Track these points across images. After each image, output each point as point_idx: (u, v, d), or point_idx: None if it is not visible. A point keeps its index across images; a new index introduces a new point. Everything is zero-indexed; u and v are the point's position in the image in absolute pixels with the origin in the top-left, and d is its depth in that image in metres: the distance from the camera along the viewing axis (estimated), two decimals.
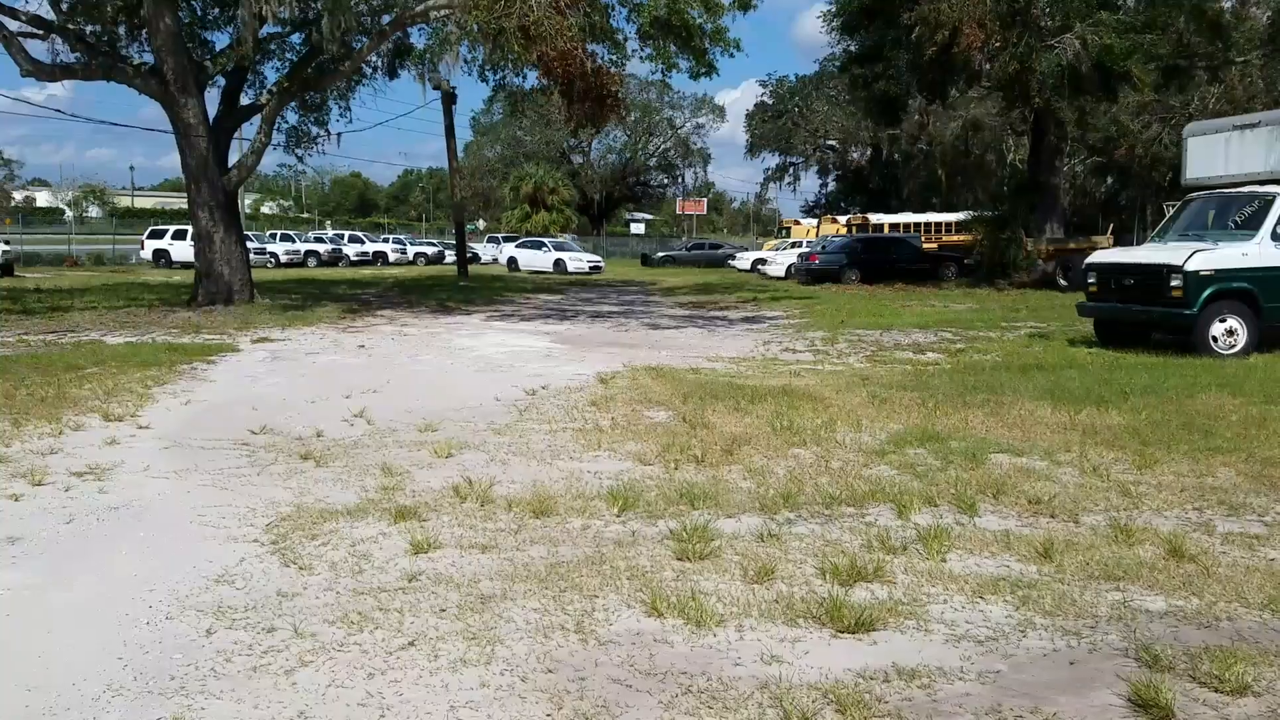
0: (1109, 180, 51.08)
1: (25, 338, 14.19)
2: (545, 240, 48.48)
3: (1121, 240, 34.08)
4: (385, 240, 57.79)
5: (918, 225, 42.61)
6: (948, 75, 29.66)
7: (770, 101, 65.47)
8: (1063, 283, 27.61)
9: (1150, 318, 12.87)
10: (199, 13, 22.83)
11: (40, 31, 19.79)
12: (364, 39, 20.63)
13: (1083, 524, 5.27)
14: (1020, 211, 31.14)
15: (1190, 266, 11.96)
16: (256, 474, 6.49)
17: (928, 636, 3.85)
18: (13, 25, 18.82)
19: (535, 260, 44.50)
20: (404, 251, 54.67)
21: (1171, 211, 14.60)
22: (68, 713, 3.27)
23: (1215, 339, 12.09)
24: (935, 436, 7.38)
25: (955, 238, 37.74)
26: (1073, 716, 3.21)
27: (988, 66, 27.32)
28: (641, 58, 19.77)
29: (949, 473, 6.33)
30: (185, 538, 5.12)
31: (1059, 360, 12.08)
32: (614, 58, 19.40)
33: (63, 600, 4.29)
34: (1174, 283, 12.09)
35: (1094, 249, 21.65)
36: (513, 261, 45.18)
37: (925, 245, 36.73)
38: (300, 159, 25.02)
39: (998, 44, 25.95)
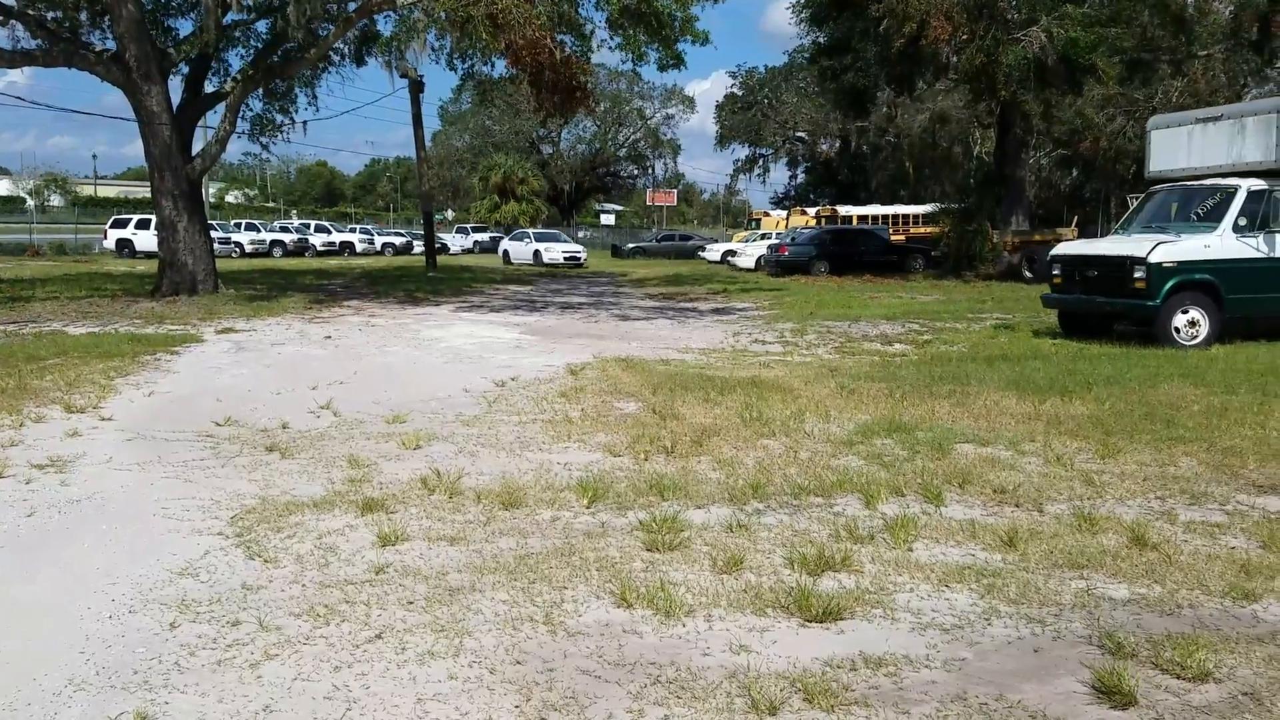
0: (1074, 173, 51.62)
1: None
2: (529, 231, 47.98)
3: (1086, 232, 34.47)
4: (352, 230, 57.33)
5: (886, 217, 42.87)
6: (915, 68, 29.83)
7: (740, 93, 65.55)
8: (1028, 274, 27.91)
9: (1114, 309, 13.03)
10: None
11: (0, 18, 19.41)
12: (330, 26, 20.41)
13: (1047, 513, 5.33)
14: (986, 204, 31.43)
15: (1153, 258, 12.12)
16: (221, 466, 6.41)
17: (894, 625, 3.88)
18: None
19: (520, 252, 43.83)
20: (371, 242, 54.24)
21: (1135, 204, 14.79)
22: (29, 708, 3.22)
23: (1178, 330, 12.27)
24: (902, 427, 7.43)
25: (923, 230, 38.03)
26: (1037, 703, 3.25)
27: (955, 59, 27.50)
28: (610, 47, 19.72)
29: (916, 463, 6.38)
30: (148, 530, 5.05)
31: (1024, 351, 12.20)
32: (581, 47, 19.31)
33: (23, 594, 4.23)
34: (1137, 274, 12.25)
35: (1059, 241, 21.92)
36: (506, 255, 44.43)
37: (893, 237, 36.98)
38: (265, 147, 24.75)
39: (965, 36, 26.12)
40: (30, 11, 19.80)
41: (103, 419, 7.84)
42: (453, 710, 3.21)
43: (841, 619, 3.92)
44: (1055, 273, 13.89)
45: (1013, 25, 26.73)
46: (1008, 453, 6.70)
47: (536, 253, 41.76)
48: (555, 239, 44.90)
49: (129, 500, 5.61)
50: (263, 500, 5.57)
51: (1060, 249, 14.59)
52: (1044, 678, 3.43)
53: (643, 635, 3.80)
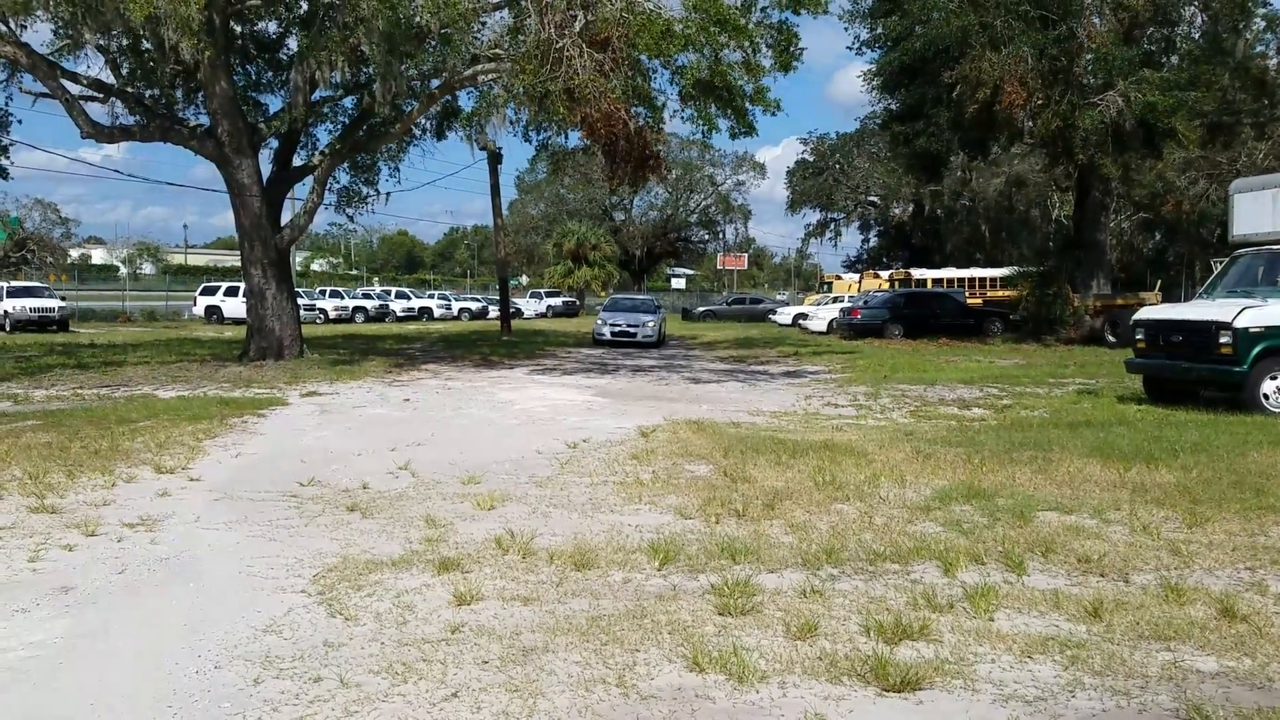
0: (1156, 236, 50.62)
1: (79, 391, 14.55)
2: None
3: (1169, 296, 33.67)
4: (431, 296, 58.67)
5: (961, 280, 42.39)
6: (989, 132, 29.72)
7: (811, 158, 65.95)
8: (1110, 339, 27.30)
9: (1200, 374, 12.67)
10: (253, 77, 23.59)
11: (100, 95, 20.54)
12: (413, 102, 21.15)
13: (1133, 583, 5.18)
14: (1066, 267, 30.93)
15: (1240, 323, 11.79)
16: (304, 525, 6.58)
17: (975, 696, 3.80)
18: (74, 89, 19.55)
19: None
20: (449, 307, 55.42)
21: (1219, 268, 14.43)
22: None
23: (1267, 396, 11.86)
24: (981, 493, 7.30)
25: (1000, 293, 37.49)
26: None
27: (1030, 124, 27.31)
28: (683, 118, 20.07)
29: (996, 530, 6.25)
30: (234, 588, 5.20)
31: (1108, 417, 11.91)
32: (654, 119, 19.69)
33: (114, 649, 4.37)
34: (1223, 339, 11.92)
35: (1141, 305, 21.42)
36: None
37: (969, 301, 36.52)
38: (351, 218, 25.59)
39: (1040, 101, 25.98)
40: (129, 90, 20.92)
41: (191, 479, 8.11)
42: None
43: (920, 689, 3.85)
44: (1139, 337, 13.58)
45: (1089, 90, 26.54)
46: (1092, 521, 6.53)
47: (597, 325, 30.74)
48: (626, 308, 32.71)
49: (216, 559, 5.79)
50: (344, 559, 5.69)
51: (1144, 313, 14.27)
52: None
53: (715, 700, 3.78)
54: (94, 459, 8.74)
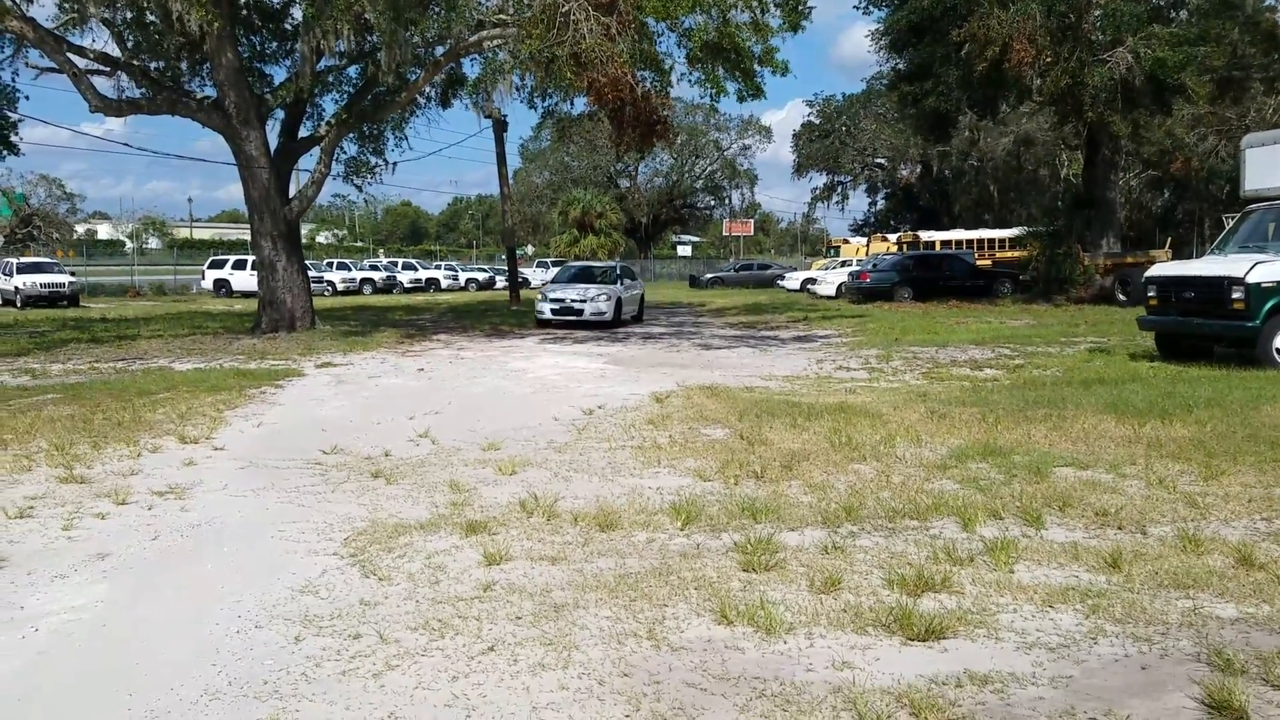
0: (1165, 194, 50.29)
1: (96, 365, 14.67)
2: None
3: (1180, 254, 33.53)
4: (438, 267, 58.64)
5: (970, 242, 42.25)
6: (998, 91, 29.49)
7: (817, 121, 65.52)
8: (1121, 297, 27.25)
9: (1212, 331, 12.68)
10: (258, 47, 23.47)
11: (107, 68, 20.49)
12: (419, 70, 21.08)
13: (1150, 535, 5.26)
14: (1076, 226, 30.80)
15: (1252, 278, 11.78)
16: (330, 491, 6.69)
17: (999, 644, 3.89)
18: (81, 63, 19.49)
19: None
20: (456, 278, 55.43)
21: (1231, 223, 14.39)
22: (168, 715, 3.43)
23: (1279, 351, 11.88)
24: (997, 451, 7.37)
25: (1010, 254, 37.37)
26: (1146, 718, 3.23)
27: (1039, 82, 27.10)
28: (690, 82, 19.95)
29: (1013, 486, 6.33)
30: (267, 552, 5.31)
31: (1121, 374, 11.95)
32: (661, 83, 19.59)
33: (155, 612, 4.48)
34: (1235, 295, 11.91)
35: (1152, 263, 21.36)
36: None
37: (979, 262, 36.43)
38: (359, 189, 25.51)
39: (1049, 59, 25.77)
40: (135, 62, 20.87)
41: (216, 449, 8.22)
42: (566, 718, 3.33)
43: (944, 638, 3.94)
44: (1151, 295, 13.58)
45: (1098, 47, 26.30)
46: (1108, 476, 6.60)
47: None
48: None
49: (247, 524, 5.90)
50: (372, 523, 5.80)
51: (1155, 270, 14.26)
52: (1152, 694, 3.41)
53: (745, 651, 3.88)
54: (118, 430, 8.85)
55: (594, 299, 22.84)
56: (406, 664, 3.78)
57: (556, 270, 29.26)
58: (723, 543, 5.29)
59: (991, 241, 41.90)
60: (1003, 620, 4.12)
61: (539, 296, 24.11)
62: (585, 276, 25.26)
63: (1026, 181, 52.16)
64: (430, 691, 3.55)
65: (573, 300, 22.96)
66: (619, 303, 23.42)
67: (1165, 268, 14.95)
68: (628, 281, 25.25)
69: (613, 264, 28.27)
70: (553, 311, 23.03)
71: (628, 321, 24.53)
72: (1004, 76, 26.71)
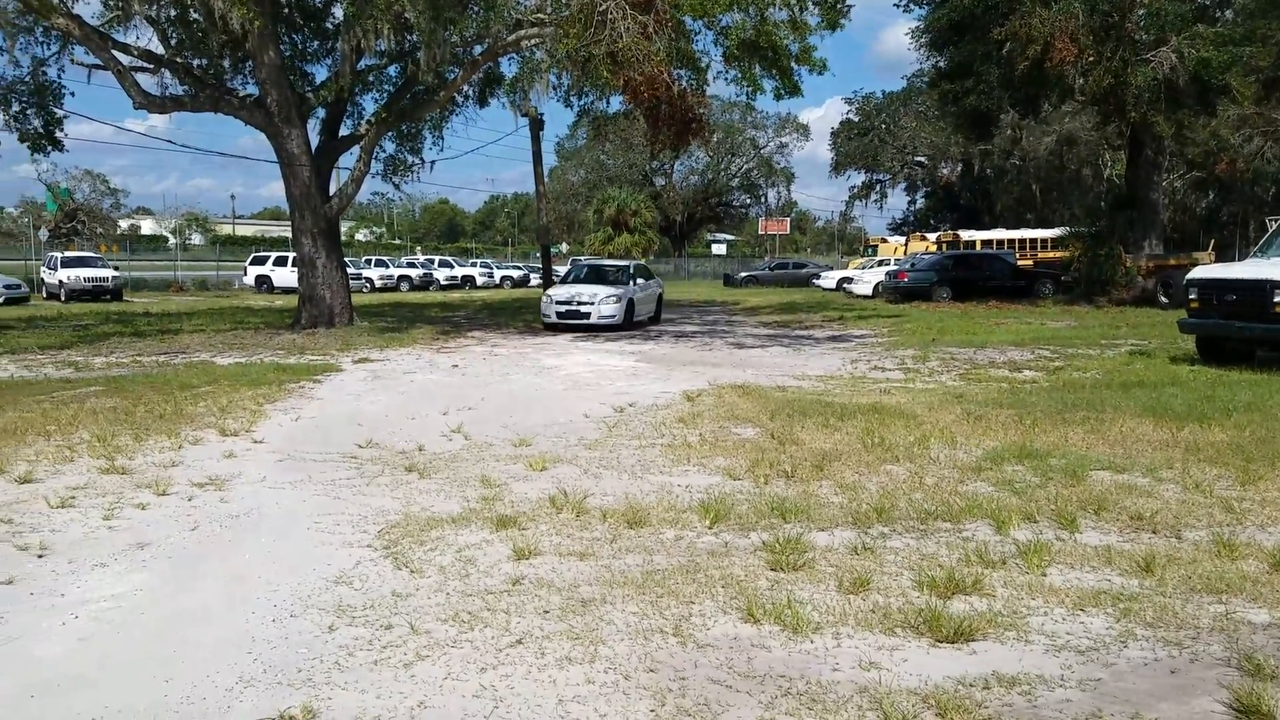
0: (1209, 195, 49.42)
1: (138, 358, 14.95)
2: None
3: (1223, 256, 32.94)
4: (473, 264, 58.99)
5: (1011, 242, 41.75)
6: (1040, 90, 29.13)
7: (856, 119, 65.08)
8: (1163, 300, 26.81)
9: (1253, 334, 12.46)
10: (300, 46, 23.77)
11: (151, 66, 20.86)
12: (457, 69, 21.23)
13: (1185, 539, 5.20)
14: (1118, 227, 30.35)
15: None
16: (365, 485, 6.78)
17: (1028, 647, 3.87)
18: (125, 60, 19.86)
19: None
20: (491, 275, 55.74)
21: (1275, 226, 14.13)
22: (204, 701, 3.51)
23: None
24: (1034, 453, 7.31)
25: (1051, 254, 36.90)
26: None
27: (1081, 81, 26.74)
28: (726, 80, 19.92)
29: (1048, 489, 6.28)
30: (303, 543, 5.40)
31: (1160, 377, 11.78)
32: (697, 81, 19.57)
33: (192, 600, 4.57)
34: (1277, 298, 11.71)
35: (1195, 265, 21.01)
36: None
37: (1020, 262, 36.02)
38: (397, 186, 25.74)
39: (1091, 58, 25.40)
40: (179, 60, 21.22)
41: (255, 442, 8.36)
42: (591, 712, 3.36)
43: (973, 640, 3.92)
44: (1192, 297, 13.38)
45: (1141, 46, 25.90)
46: (1144, 479, 6.53)
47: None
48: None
49: (284, 516, 6.00)
50: (405, 516, 5.88)
51: (1197, 273, 14.03)
52: (1181, 698, 3.38)
53: (771, 649, 3.89)
54: (159, 422, 9.02)
55: (602, 300, 21.13)
56: (436, 655, 3.84)
57: (567, 269, 26.94)
58: (751, 541, 5.30)
59: (1033, 241, 41.38)
60: (1033, 623, 4.09)
61: (544, 297, 22.32)
62: (596, 276, 23.47)
63: (1069, 181, 51.47)
64: (459, 682, 3.60)
65: (579, 302, 21.24)
66: (630, 304, 21.75)
67: (1207, 270, 14.72)
68: (641, 281, 23.58)
69: (626, 262, 25.97)
70: (558, 314, 21.32)
71: (642, 323, 22.80)
72: (1046, 75, 26.38)
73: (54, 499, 6.23)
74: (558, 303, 21.41)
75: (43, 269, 37.58)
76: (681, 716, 3.32)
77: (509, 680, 3.61)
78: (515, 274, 57.46)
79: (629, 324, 21.49)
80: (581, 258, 31.06)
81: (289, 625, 4.19)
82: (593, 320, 20.90)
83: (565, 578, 4.73)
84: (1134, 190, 31.14)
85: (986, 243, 41.84)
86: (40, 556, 5.15)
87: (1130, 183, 31.93)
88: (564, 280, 24.50)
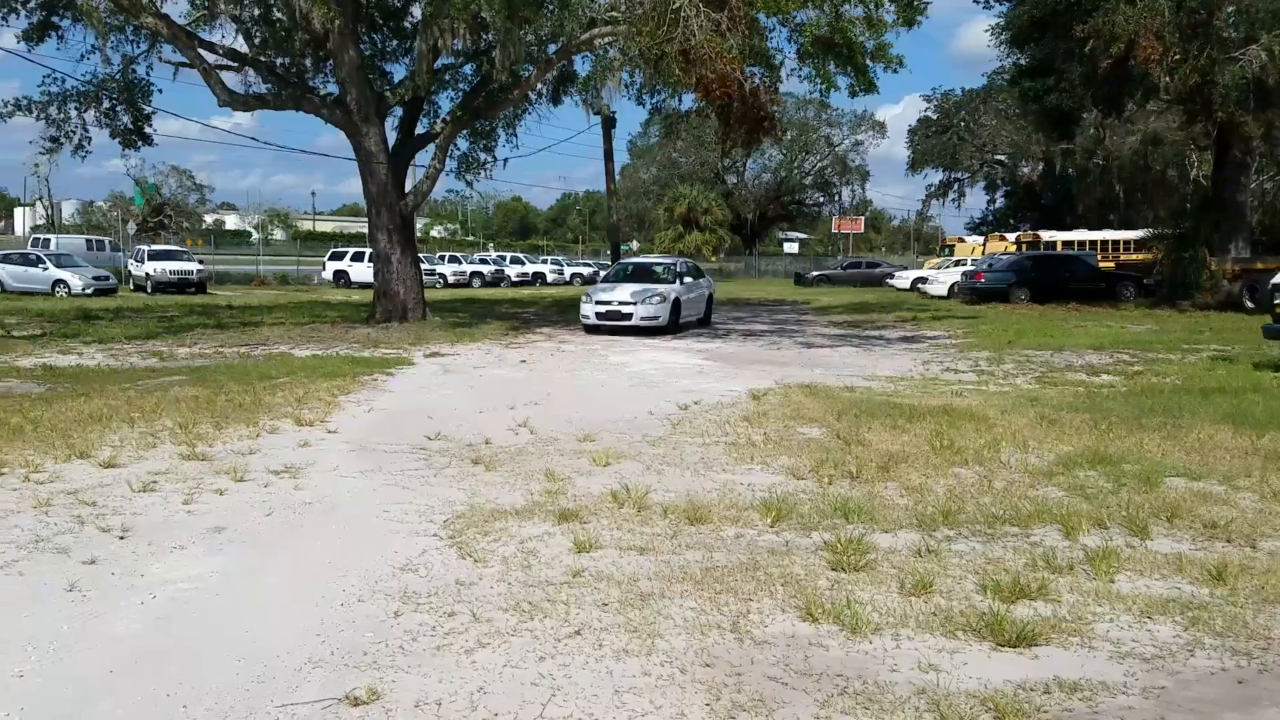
0: None
1: (221, 350, 15.43)
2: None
3: None
4: (544, 261, 59.55)
5: (1093, 243, 40.77)
6: (1124, 88, 28.35)
7: (934, 116, 63.99)
8: (1249, 304, 25.88)
9: None
10: (379, 45, 24.27)
11: (235, 64, 21.51)
12: (531, 68, 21.47)
13: (1260, 549, 5.05)
14: (1203, 229, 29.39)
15: None
16: (433, 475, 6.93)
17: (1092, 653, 3.80)
18: (211, 58, 20.51)
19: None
20: (561, 272, 56.21)
21: None
22: (274, 680, 3.63)
23: None
24: (1107, 459, 7.15)
25: (1134, 256, 35.95)
26: None
27: (1167, 80, 25.94)
28: (800, 77, 19.80)
29: (1121, 495, 6.14)
30: (372, 531, 5.55)
31: (1243, 384, 11.39)
32: (770, 78, 19.49)
33: (265, 583, 4.73)
34: None
35: None
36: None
37: (1101, 264, 35.12)
38: (470, 184, 26.13)
39: (1177, 56, 24.61)
40: (262, 59, 21.83)
41: (329, 432, 8.58)
42: (647, 703, 3.40)
43: (1036, 645, 3.87)
44: (1277, 302, 12.92)
45: (1230, 44, 25.01)
46: (1221, 487, 6.34)
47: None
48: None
49: (354, 504, 6.16)
50: (471, 507, 5.99)
51: None
52: (1247, 708, 3.31)
53: (829, 649, 3.88)
54: (239, 411, 9.31)
55: (645, 301, 19.68)
56: (497, 643, 3.92)
57: (611, 268, 24.95)
58: (812, 541, 5.28)
59: (1115, 243, 40.34)
60: (1098, 629, 4.02)
61: (583, 297, 20.94)
62: (640, 274, 22.02)
63: (1153, 182, 49.90)
64: (518, 670, 3.67)
65: (620, 302, 19.75)
66: (676, 304, 20.26)
67: None
68: (689, 280, 22.04)
69: (673, 260, 24.18)
70: (597, 315, 19.87)
71: (689, 326, 21.46)
72: (1130, 74, 25.67)
73: (136, 483, 6.48)
74: (597, 302, 20.06)
75: (130, 261, 38.90)
76: (737, 712, 3.34)
77: (567, 670, 3.67)
78: (585, 271, 57.79)
79: (674, 326, 20.15)
80: (627, 258, 29.24)
81: (356, 609, 4.31)
82: (634, 322, 19.51)
83: (625, 571, 4.78)
84: (1220, 191, 30.13)
85: (1067, 244, 40.92)
86: (122, 538, 5.36)
87: (1216, 184, 30.91)
88: (607, 279, 23.01)
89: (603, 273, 38.82)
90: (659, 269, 22.35)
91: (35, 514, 5.76)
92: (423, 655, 3.81)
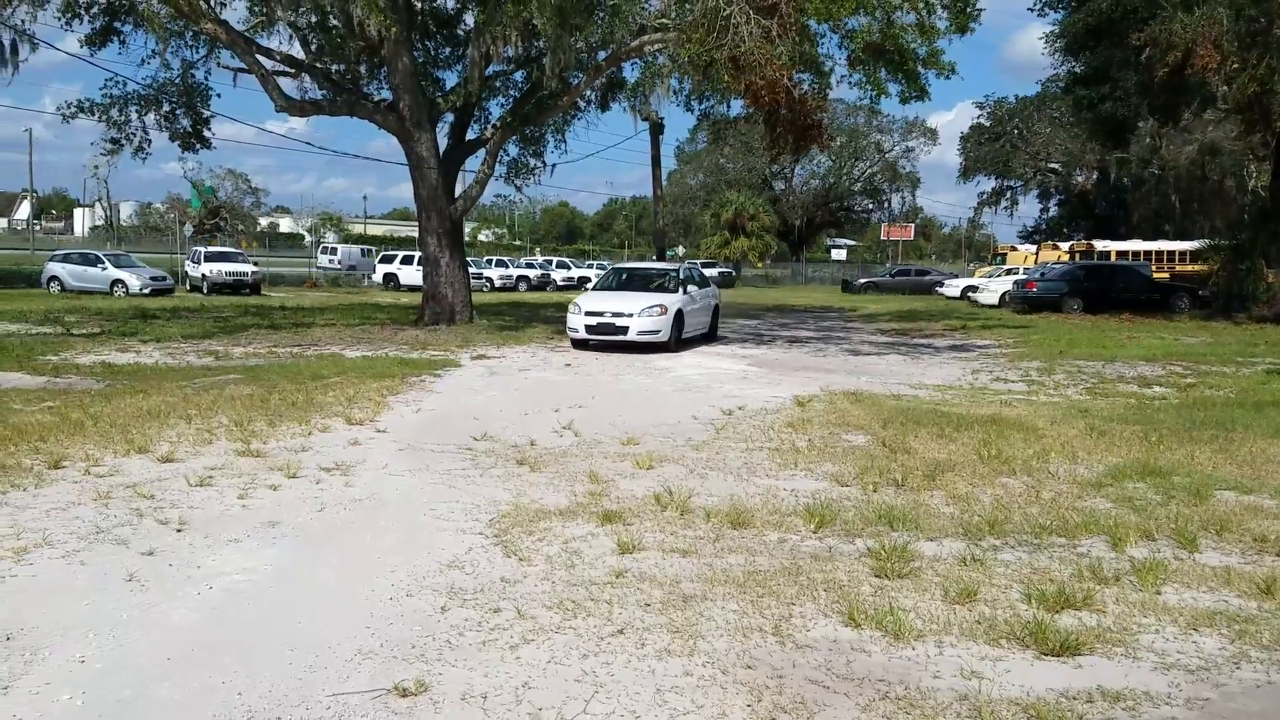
0: None
1: (274, 350, 15.72)
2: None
3: None
4: (589, 266, 59.76)
5: (1148, 253, 40.10)
6: (1180, 97, 27.87)
7: (987, 123, 63.19)
8: None
9: None
10: (432, 53, 24.57)
11: (291, 70, 21.91)
12: (580, 74, 21.63)
13: None
14: (1261, 241, 28.75)
15: None
16: (479, 475, 7.03)
17: (1135, 663, 3.78)
18: (268, 64, 20.91)
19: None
20: None
21: None
22: (325, 670, 3.73)
23: None
24: (1157, 471, 7.06)
25: (1189, 267, 35.27)
26: None
27: (1224, 89, 25.44)
28: (850, 84, 19.73)
29: (1170, 508, 6.07)
30: (420, 528, 5.65)
31: None
32: (819, 85, 19.45)
33: (317, 576, 4.85)
34: None
35: None
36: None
37: (1156, 275, 34.51)
38: (519, 189, 26.35)
39: (1235, 65, 24.13)
40: (318, 65, 22.22)
41: (378, 431, 8.73)
42: (689, 703, 3.45)
43: (1080, 654, 3.85)
44: None
45: None
46: (1272, 501, 6.24)
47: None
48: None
49: (403, 501, 6.28)
50: (516, 507, 6.08)
51: None
52: None
53: (871, 654, 3.90)
54: (292, 410, 9.51)
55: (642, 312, 16.98)
56: (541, 639, 3.99)
57: (602, 275, 22.05)
58: (856, 548, 5.29)
59: (1170, 254, 39.65)
60: (1143, 640, 3.99)
61: (571, 307, 18.05)
62: (637, 282, 19.47)
63: (1210, 192, 48.89)
64: (562, 666, 3.73)
65: (614, 314, 17.11)
66: (679, 317, 17.51)
67: None
68: (694, 289, 19.14)
69: (675, 266, 21.53)
70: (587, 328, 17.20)
71: (692, 341, 18.75)
72: (1186, 83, 25.21)
73: (193, 478, 6.65)
74: (587, 313, 17.33)
75: (187, 262, 39.70)
76: (778, 713, 3.37)
77: (609, 668, 3.73)
78: None
79: (676, 342, 17.48)
80: (623, 263, 26.61)
81: (405, 604, 4.41)
82: (630, 337, 16.86)
83: (667, 573, 4.83)
84: (1278, 203, 29.48)
85: (1121, 254, 40.28)
86: (179, 531, 5.52)
87: (1275, 195, 30.20)
88: (599, 286, 20.35)
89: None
90: (658, 276, 19.75)
91: (95, 506, 5.95)
92: (469, 650, 3.89)
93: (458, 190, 22.71)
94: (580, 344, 17.46)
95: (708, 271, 59.59)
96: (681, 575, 4.80)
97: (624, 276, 20.28)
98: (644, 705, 3.42)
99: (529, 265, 54.78)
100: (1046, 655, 3.85)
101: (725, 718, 3.34)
